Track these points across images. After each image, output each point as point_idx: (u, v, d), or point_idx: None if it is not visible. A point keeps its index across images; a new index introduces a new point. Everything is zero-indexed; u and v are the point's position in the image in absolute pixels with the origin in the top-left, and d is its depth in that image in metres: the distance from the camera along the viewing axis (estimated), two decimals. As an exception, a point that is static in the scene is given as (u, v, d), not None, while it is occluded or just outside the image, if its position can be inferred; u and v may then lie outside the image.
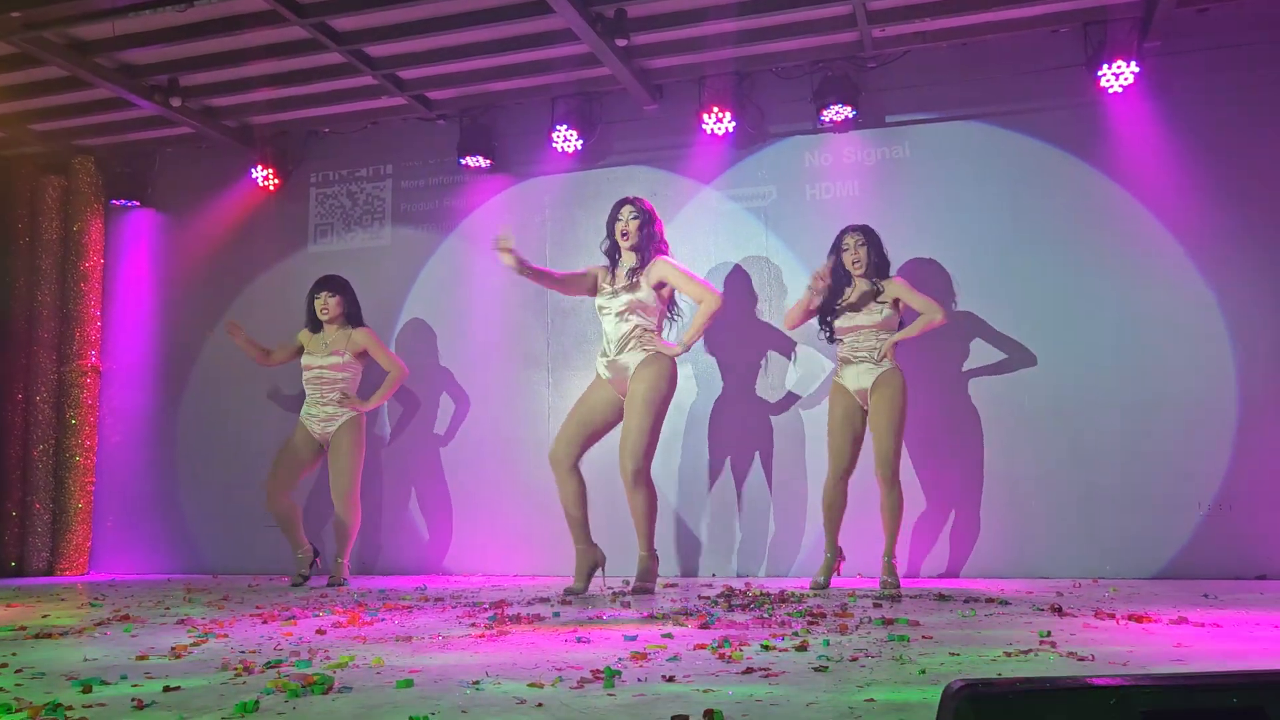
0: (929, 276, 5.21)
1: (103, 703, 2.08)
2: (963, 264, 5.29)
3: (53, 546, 6.43)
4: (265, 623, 3.53)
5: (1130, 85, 5.03)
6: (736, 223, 5.69)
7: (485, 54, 5.55)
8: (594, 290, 4.73)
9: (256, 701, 2.01)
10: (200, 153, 6.74)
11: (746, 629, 3.12)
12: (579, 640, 2.92)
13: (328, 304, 5.53)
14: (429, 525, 6.01)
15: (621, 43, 5.05)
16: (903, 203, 5.41)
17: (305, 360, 5.55)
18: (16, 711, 1.98)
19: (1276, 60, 5.00)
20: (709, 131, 5.58)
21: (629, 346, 4.54)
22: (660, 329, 4.63)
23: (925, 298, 4.64)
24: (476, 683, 2.24)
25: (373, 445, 5.93)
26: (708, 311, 4.53)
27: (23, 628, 3.43)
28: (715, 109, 5.51)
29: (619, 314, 4.56)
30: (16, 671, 2.50)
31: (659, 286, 4.58)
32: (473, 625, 3.34)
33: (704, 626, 3.17)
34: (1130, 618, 3.23)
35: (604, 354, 4.62)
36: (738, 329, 5.54)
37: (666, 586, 4.83)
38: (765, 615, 3.47)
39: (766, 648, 2.70)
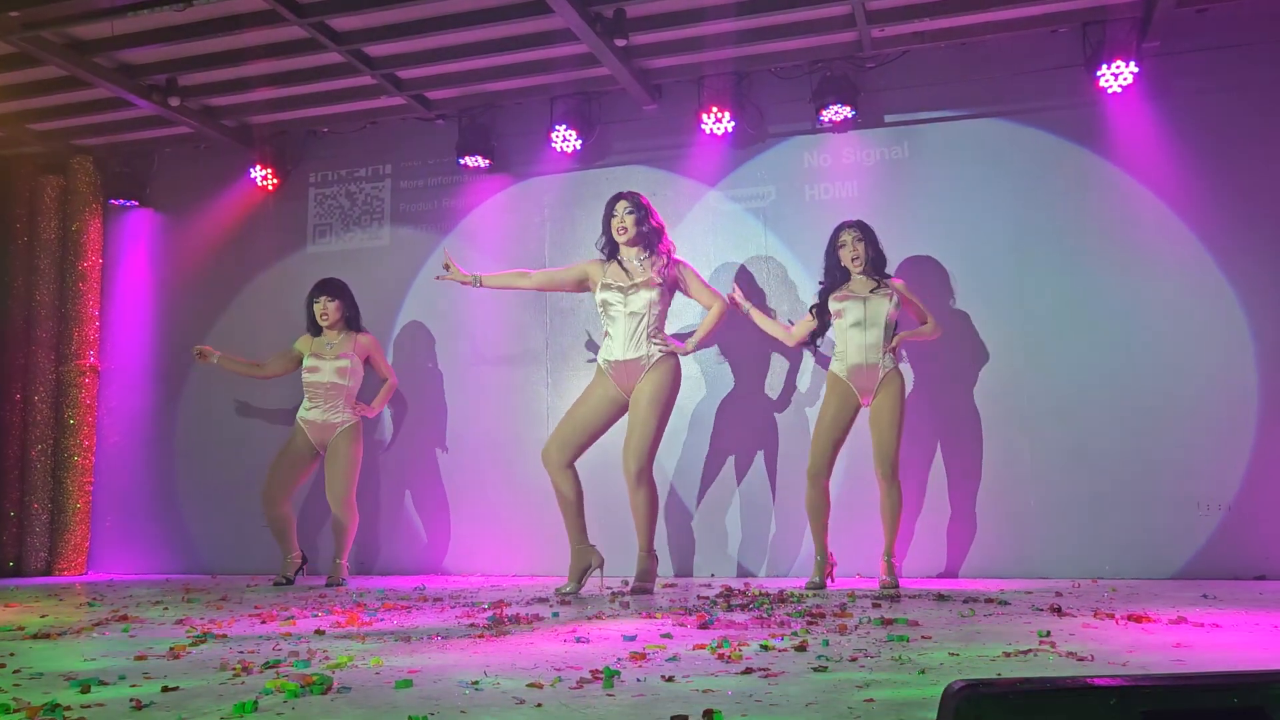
0: (928, 276, 5.21)
1: (101, 703, 2.07)
2: (962, 264, 5.29)
3: (51, 546, 6.42)
4: (264, 623, 3.52)
5: (1129, 85, 5.03)
6: (736, 223, 5.69)
7: (484, 54, 5.55)
8: (581, 287, 4.72)
9: (255, 702, 2.01)
10: (199, 152, 6.73)
11: (745, 629, 3.12)
12: (578, 640, 2.92)
13: (327, 309, 5.52)
14: (427, 525, 6.01)
15: (621, 43, 5.05)
16: (902, 203, 5.41)
17: (310, 363, 5.50)
18: (15, 712, 1.97)
19: (1275, 60, 5.00)
20: (708, 132, 5.58)
21: (639, 344, 4.53)
22: (663, 328, 4.64)
23: (928, 313, 4.74)
24: (475, 683, 2.23)
25: (372, 448, 5.93)
26: (717, 316, 4.61)
27: (21, 628, 3.43)
28: (714, 109, 5.51)
29: (633, 312, 4.54)
30: (15, 672, 2.50)
31: (673, 288, 4.60)
32: (472, 625, 3.34)
33: (703, 626, 3.17)
34: (1129, 618, 3.22)
35: (609, 350, 4.59)
36: (737, 329, 5.53)
37: (665, 586, 4.83)
38: (764, 615, 3.47)
39: (766, 648, 2.70)
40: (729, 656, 2.54)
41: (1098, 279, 5.13)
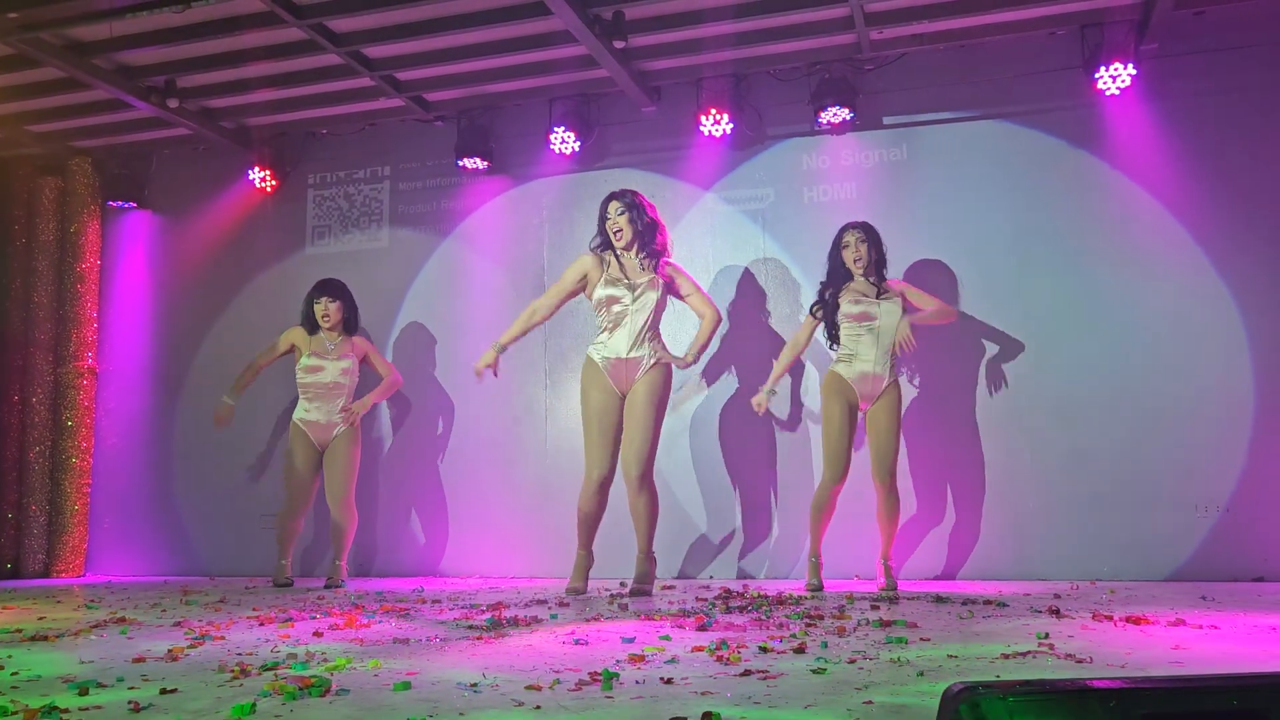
0: (928, 278, 5.21)
1: (99, 705, 2.07)
2: (962, 265, 5.29)
3: (49, 548, 6.42)
4: (262, 625, 3.52)
5: (1127, 87, 5.04)
6: (734, 225, 5.69)
7: (483, 55, 5.55)
8: (582, 286, 4.65)
9: (253, 704, 2.00)
10: (197, 154, 6.73)
11: (744, 631, 3.12)
12: (577, 642, 2.92)
13: (329, 310, 5.51)
14: (426, 527, 6.00)
15: (619, 44, 5.05)
16: (900, 205, 5.41)
17: (312, 362, 5.48)
18: (13, 714, 1.97)
19: (1273, 63, 5.01)
20: (707, 133, 5.58)
21: (642, 344, 4.51)
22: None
23: (934, 299, 4.72)
24: (474, 685, 2.23)
25: (372, 451, 5.93)
26: (711, 325, 4.62)
27: (19, 630, 3.42)
28: (713, 111, 5.51)
29: (640, 311, 4.50)
30: (12, 674, 2.50)
31: (668, 289, 4.59)
32: (470, 627, 3.34)
33: (702, 628, 3.17)
34: (1128, 620, 3.22)
35: (611, 348, 4.52)
36: (736, 331, 5.54)
37: (664, 589, 4.83)
38: (763, 617, 3.47)
39: (764, 650, 2.70)
40: (728, 658, 2.54)
41: (1095, 281, 5.13)
